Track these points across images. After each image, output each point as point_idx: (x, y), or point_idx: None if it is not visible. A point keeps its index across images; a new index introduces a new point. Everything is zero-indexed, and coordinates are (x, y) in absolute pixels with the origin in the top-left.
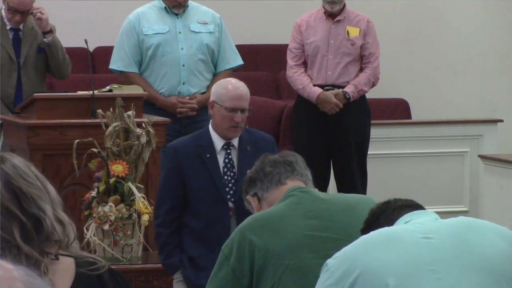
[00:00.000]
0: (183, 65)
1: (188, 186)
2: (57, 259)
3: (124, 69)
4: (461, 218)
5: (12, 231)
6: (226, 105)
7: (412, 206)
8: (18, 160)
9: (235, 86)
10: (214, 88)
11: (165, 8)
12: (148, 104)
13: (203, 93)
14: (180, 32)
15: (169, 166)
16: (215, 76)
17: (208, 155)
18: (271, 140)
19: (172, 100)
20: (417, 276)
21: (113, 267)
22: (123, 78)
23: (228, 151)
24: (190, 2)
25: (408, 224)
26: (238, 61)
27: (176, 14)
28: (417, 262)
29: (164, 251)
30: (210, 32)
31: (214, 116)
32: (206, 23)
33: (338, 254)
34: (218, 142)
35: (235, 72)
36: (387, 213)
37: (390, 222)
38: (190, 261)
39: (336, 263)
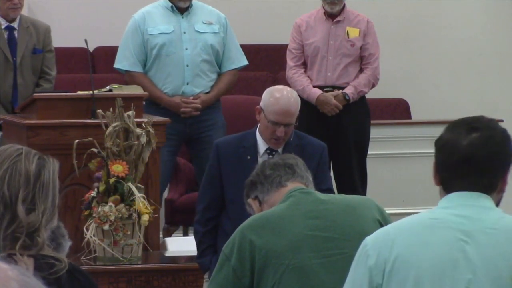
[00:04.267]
0: (187, 65)
1: (225, 186)
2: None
3: (129, 69)
4: None
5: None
6: (269, 118)
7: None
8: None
9: (284, 99)
10: (265, 93)
11: (171, 7)
12: (152, 104)
13: (207, 93)
14: (184, 32)
15: (210, 163)
16: (220, 76)
17: (249, 157)
18: (322, 147)
19: (176, 100)
20: (442, 282)
21: (113, 267)
22: (128, 77)
23: (270, 156)
24: (195, 2)
25: (453, 216)
26: (243, 61)
27: (181, 14)
28: (446, 267)
29: (199, 249)
30: (215, 33)
31: (259, 122)
32: (211, 23)
33: (376, 236)
34: (262, 145)
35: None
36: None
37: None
38: None
39: (373, 245)
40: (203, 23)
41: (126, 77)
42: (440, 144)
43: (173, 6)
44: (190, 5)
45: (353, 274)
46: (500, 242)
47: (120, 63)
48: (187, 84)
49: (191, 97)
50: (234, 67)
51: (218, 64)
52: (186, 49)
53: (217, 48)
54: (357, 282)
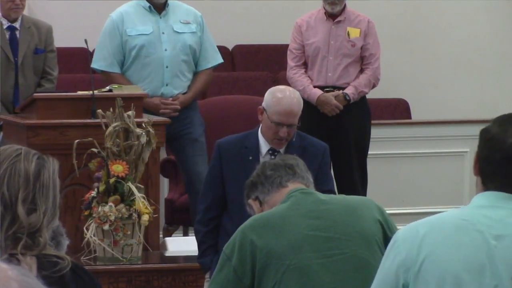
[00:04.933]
0: (167, 67)
1: (226, 186)
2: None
3: (106, 69)
4: None
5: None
6: (272, 118)
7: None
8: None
9: (287, 99)
10: (267, 94)
11: (149, 7)
12: None
13: (185, 93)
14: (163, 33)
15: (212, 163)
16: (196, 75)
17: (250, 158)
18: (323, 147)
19: (155, 101)
20: (467, 286)
21: (113, 267)
22: (105, 77)
23: (273, 157)
24: (171, 2)
25: (484, 218)
26: (218, 59)
27: (159, 13)
28: (472, 272)
29: (200, 249)
30: (193, 32)
31: (262, 122)
32: (188, 23)
33: (406, 233)
34: (264, 146)
35: (233, 72)
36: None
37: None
38: None
39: (403, 242)
40: (181, 22)
41: (102, 77)
42: (486, 138)
43: (151, 6)
44: (167, 4)
45: (382, 268)
46: None
47: (97, 63)
48: (166, 85)
49: (170, 98)
50: (209, 66)
51: (195, 63)
52: (166, 50)
53: (195, 48)
54: (383, 277)
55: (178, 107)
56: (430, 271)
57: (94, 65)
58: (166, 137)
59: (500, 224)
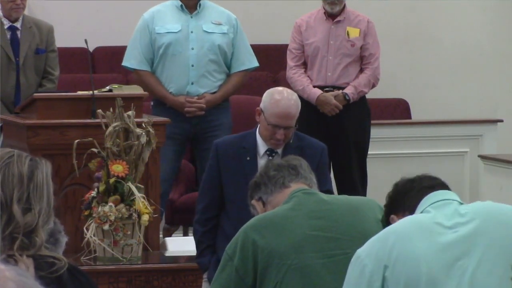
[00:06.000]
0: (192, 65)
1: (224, 186)
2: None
3: (137, 67)
4: (488, 208)
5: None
6: (269, 120)
7: (436, 186)
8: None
9: (284, 102)
10: (265, 95)
11: (181, 6)
12: (159, 104)
13: (214, 93)
14: (192, 32)
15: (210, 163)
16: (229, 76)
17: (248, 158)
18: (321, 148)
19: (181, 100)
20: (447, 272)
21: (113, 267)
22: (135, 75)
23: (270, 157)
24: (207, 2)
25: (434, 216)
26: (254, 63)
27: (191, 13)
28: (446, 258)
29: (198, 249)
30: (223, 33)
31: (259, 123)
32: (220, 24)
33: (369, 247)
34: (262, 146)
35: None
36: (411, 194)
37: (414, 203)
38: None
39: (368, 255)
40: (212, 23)
41: (134, 75)
42: (396, 190)
43: (183, 5)
44: (199, 4)
45: (347, 284)
46: (492, 224)
47: (128, 61)
48: (192, 84)
49: (196, 97)
50: (243, 68)
51: (227, 65)
52: (192, 48)
53: (225, 49)
54: None
55: (204, 105)
56: (402, 273)
57: (125, 63)
58: (190, 136)
59: (453, 217)
